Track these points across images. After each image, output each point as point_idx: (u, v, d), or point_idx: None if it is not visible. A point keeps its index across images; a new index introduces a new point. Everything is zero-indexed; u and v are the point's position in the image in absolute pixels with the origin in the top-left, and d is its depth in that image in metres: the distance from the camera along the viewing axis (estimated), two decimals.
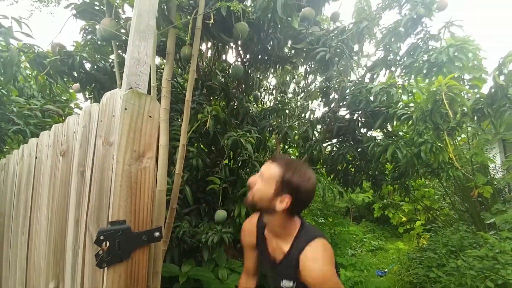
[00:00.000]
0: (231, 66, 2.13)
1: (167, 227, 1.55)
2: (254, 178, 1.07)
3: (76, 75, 1.72)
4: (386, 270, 4.30)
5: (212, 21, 1.43)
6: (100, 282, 0.80)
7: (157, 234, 0.90)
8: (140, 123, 0.88)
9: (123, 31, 1.66)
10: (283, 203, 0.99)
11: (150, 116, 0.91)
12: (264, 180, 1.02)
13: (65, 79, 1.73)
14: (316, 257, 0.99)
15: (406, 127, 2.71)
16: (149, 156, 0.90)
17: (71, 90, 2.69)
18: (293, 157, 4.43)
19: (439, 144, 2.19)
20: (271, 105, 3.49)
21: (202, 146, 2.41)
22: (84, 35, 2.03)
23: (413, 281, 2.73)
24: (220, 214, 1.92)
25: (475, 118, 1.84)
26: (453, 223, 3.90)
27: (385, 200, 5.09)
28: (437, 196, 4.85)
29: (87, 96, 1.98)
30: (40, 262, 1.13)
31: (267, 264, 1.19)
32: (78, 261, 0.89)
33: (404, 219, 4.92)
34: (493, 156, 5.28)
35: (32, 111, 1.89)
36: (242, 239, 1.28)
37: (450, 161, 3.01)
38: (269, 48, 2.01)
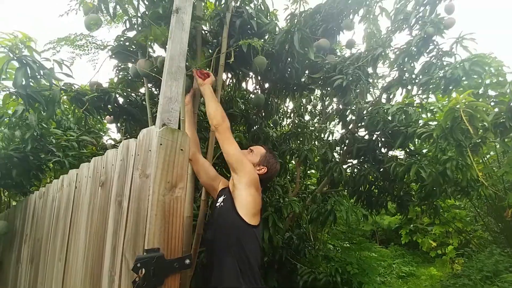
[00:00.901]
0: (253, 95, 2.22)
1: (193, 252, 1.59)
2: (248, 151, 1.47)
3: (110, 109, 1.88)
4: None
5: (232, 59, 1.55)
6: None
7: (187, 261, 0.95)
8: (173, 156, 0.96)
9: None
10: (260, 170, 1.41)
11: (181, 150, 0.99)
12: (254, 153, 1.45)
13: (101, 113, 1.90)
14: None
15: (428, 145, 2.66)
16: (181, 186, 0.97)
17: (104, 121, 2.90)
18: (313, 179, 4.40)
19: (464, 161, 2.13)
20: (290, 129, 3.55)
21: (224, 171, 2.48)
22: (117, 71, 2.25)
23: None
24: None
25: (498, 132, 1.80)
26: (487, 246, 3.63)
27: (412, 226, 4.83)
28: (468, 218, 4.56)
29: (119, 127, 2.13)
30: (76, 286, 1.20)
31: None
32: (114, 287, 0.94)
33: (434, 244, 4.63)
34: None
35: (69, 142, 2.07)
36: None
37: (479, 179, 2.89)
38: (287, 76, 2.10)
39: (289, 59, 2.11)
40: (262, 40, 1.68)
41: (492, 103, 2.29)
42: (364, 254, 4.52)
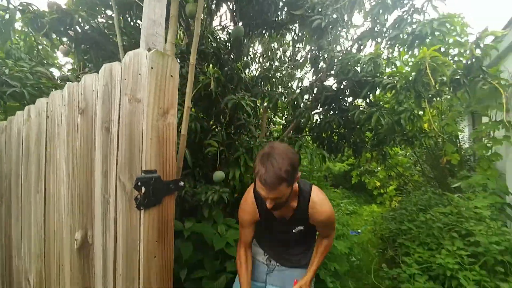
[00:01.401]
0: (233, 28, 2.10)
1: None
2: (272, 203, 1.10)
3: (72, 34, 1.67)
4: (359, 230, 4.75)
5: None
6: (136, 224, 0.90)
7: (181, 183, 1.01)
8: (164, 81, 0.94)
9: None
10: (295, 186, 1.20)
11: (171, 76, 0.97)
12: (281, 197, 1.09)
13: (60, 39, 1.67)
14: (321, 200, 1.25)
15: (388, 96, 2.90)
16: (172, 113, 0.98)
17: (54, 54, 2.56)
18: (278, 125, 4.57)
19: (417, 112, 2.40)
20: (258, 73, 3.52)
21: (195, 110, 2.45)
22: None
23: (385, 235, 3.09)
24: (219, 174, 2.04)
25: (452, 88, 2.03)
26: (421, 187, 4.33)
27: (361, 168, 5.49)
28: (408, 165, 5.29)
29: (82, 56, 1.91)
30: (61, 216, 1.21)
31: (276, 225, 1.34)
32: (110, 209, 0.98)
33: (379, 184, 5.37)
34: (463, 127, 5.75)
35: (22, 73, 1.82)
36: (242, 218, 1.36)
37: (424, 130, 3.30)
38: (266, 12, 2.02)
39: None
40: None
41: (452, 61, 2.52)
42: None
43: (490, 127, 3.21)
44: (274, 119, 4.31)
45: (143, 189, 0.88)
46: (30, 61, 2.10)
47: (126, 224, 0.93)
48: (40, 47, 2.30)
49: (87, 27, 1.86)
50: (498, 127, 3.11)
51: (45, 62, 2.23)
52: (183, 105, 1.47)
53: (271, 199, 1.08)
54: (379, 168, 5.21)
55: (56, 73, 2.99)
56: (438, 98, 2.23)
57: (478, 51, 1.85)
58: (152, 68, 0.90)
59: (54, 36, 1.76)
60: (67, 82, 1.13)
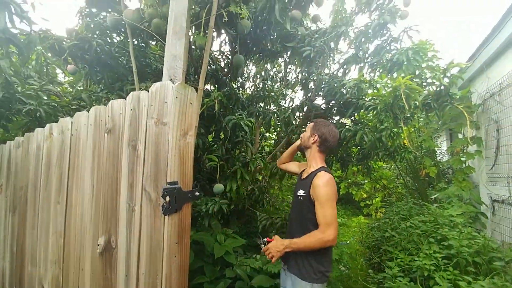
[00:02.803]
0: (234, 57, 2.34)
1: None
2: (303, 133, 1.76)
3: (88, 57, 1.84)
4: (348, 241, 4.95)
5: (226, 18, 1.66)
6: (160, 228, 1.07)
7: (197, 193, 1.19)
8: (185, 108, 1.13)
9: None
10: (313, 139, 1.64)
11: (191, 103, 1.17)
12: (306, 130, 1.73)
13: (77, 62, 1.84)
14: (322, 178, 1.49)
15: (371, 115, 3.18)
16: (191, 134, 1.17)
17: (58, 71, 2.71)
18: (269, 140, 4.80)
19: (396, 131, 2.68)
20: (251, 92, 3.77)
21: (198, 127, 2.64)
22: (81, 18, 2.13)
23: (371, 243, 3.30)
24: (219, 187, 2.21)
25: (424, 110, 2.32)
26: (404, 199, 4.61)
27: (349, 180, 5.76)
28: (392, 178, 5.60)
29: (95, 78, 2.07)
30: (84, 224, 1.35)
31: (299, 181, 1.73)
32: (135, 216, 1.14)
33: (365, 195, 5.64)
34: (440, 143, 6.17)
35: (33, 91, 1.95)
36: (293, 171, 1.98)
37: (404, 146, 3.59)
38: (263, 42, 2.27)
39: (264, 27, 2.28)
40: (248, 5, 1.81)
41: (425, 83, 2.84)
42: None
43: (462, 143, 3.54)
44: (265, 134, 4.55)
45: (167, 198, 1.05)
46: (39, 79, 2.24)
47: (151, 228, 1.09)
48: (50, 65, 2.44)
49: (98, 50, 2.05)
50: (471, 143, 3.45)
51: (53, 81, 2.37)
52: None
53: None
54: (366, 181, 5.50)
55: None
56: (412, 119, 2.51)
57: (445, 80, 2.15)
58: (176, 97, 1.09)
59: (69, 59, 1.92)
60: (93, 105, 1.30)
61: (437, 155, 5.21)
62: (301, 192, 1.57)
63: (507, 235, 2.83)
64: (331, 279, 2.49)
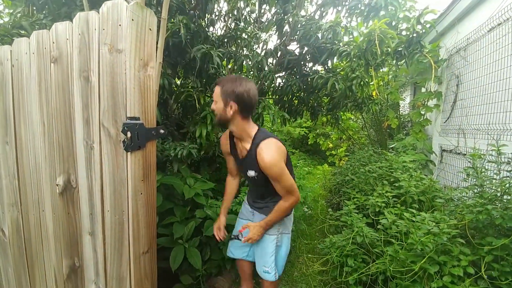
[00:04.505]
0: None
1: None
2: (212, 104, 1.38)
3: None
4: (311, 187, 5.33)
5: None
6: (123, 165, 1.02)
7: (162, 131, 1.13)
8: (143, 34, 1.00)
9: None
10: (232, 108, 1.31)
11: (150, 29, 1.03)
12: (214, 100, 1.35)
13: None
14: (267, 148, 1.33)
15: (344, 63, 3.16)
16: (152, 66, 1.06)
17: None
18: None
19: (366, 79, 2.71)
20: (223, 32, 3.49)
21: (163, 66, 2.43)
22: None
23: (332, 187, 3.58)
24: None
25: (395, 58, 2.33)
26: (365, 148, 4.94)
27: (317, 131, 5.98)
28: (358, 129, 5.90)
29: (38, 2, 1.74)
30: (38, 164, 1.25)
31: (238, 162, 1.58)
32: (95, 153, 1.07)
33: (331, 145, 5.95)
34: (405, 97, 6.46)
35: None
36: (221, 148, 1.68)
37: (372, 97, 3.70)
38: None
39: None
40: None
41: (399, 35, 2.81)
42: None
43: (425, 97, 3.73)
44: None
45: (128, 134, 0.98)
46: None
47: (113, 165, 1.04)
48: None
49: None
50: (432, 97, 3.64)
51: None
52: None
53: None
54: (333, 132, 5.74)
55: None
56: (382, 66, 2.53)
57: (419, 27, 2.13)
58: (132, 20, 0.95)
59: None
60: (36, 30, 1.10)
61: (400, 109, 5.49)
62: (252, 173, 1.45)
63: (449, 180, 3.20)
64: (295, 218, 2.70)
